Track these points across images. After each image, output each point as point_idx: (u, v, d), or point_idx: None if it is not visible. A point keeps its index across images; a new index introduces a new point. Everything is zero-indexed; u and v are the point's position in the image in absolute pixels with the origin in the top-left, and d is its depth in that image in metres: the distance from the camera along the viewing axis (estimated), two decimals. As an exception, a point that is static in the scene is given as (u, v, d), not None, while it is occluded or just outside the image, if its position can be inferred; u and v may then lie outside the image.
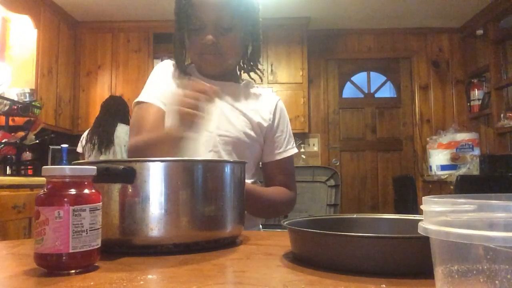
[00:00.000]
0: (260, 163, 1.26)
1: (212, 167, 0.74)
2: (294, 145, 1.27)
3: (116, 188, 0.66)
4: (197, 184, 0.70)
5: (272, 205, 1.17)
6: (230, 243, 0.76)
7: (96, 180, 0.59)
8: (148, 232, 0.65)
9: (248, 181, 1.17)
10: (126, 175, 0.65)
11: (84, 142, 3.33)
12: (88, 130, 3.39)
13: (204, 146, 1.12)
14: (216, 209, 0.71)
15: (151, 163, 0.68)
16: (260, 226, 1.28)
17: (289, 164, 1.25)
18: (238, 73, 1.28)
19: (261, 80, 1.28)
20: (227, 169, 0.75)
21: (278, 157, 1.22)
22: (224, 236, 0.74)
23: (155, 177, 0.67)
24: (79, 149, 3.39)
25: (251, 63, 1.25)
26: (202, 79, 1.20)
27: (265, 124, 1.20)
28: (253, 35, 1.21)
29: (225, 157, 1.12)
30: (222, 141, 1.13)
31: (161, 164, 0.68)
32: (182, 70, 1.22)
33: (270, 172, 1.24)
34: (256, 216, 1.17)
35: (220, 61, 1.15)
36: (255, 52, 1.24)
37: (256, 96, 1.25)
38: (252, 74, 1.27)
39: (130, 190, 0.66)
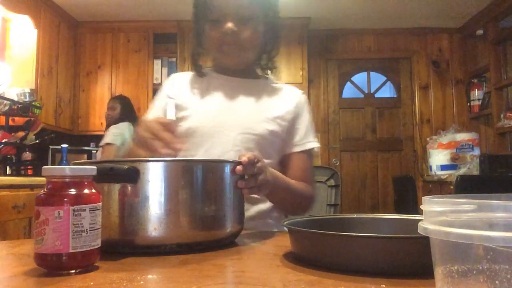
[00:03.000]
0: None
1: (214, 167, 0.74)
2: (315, 140, 1.21)
3: (118, 188, 0.66)
4: (200, 184, 0.70)
5: (294, 195, 1.10)
6: (230, 243, 0.76)
7: (101, 179, 0.59)
8: (151, 232, 0.65)
9: None
10: (130, 175, 0.65)
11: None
12: (123, 123, 3.41)
13: (224, 146, 1.11)
14: (217, 209, 0.71)
15: (154, 163, 0.68)
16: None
17: (306, 158, 1.20)
18: (256, 69, 1.25)
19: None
20: (228, 169, 0.75)
21: (295, 150, 1.18)
22: (224, 236, 0.74)
23: (158, 177, 0.67)
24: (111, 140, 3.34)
25: (269, 60, 1.22)
26: (221, 77, 1.20)
27: (288, 117, 1.17)
28: (273, 28, 1.17)
29: None
30: (244, 140, 1.11)
31: (164, 164, 0.68)
32: (197, 70, 1.21)
33: (286, 166, 1.19)
34: (277, 206, 1.12)
35: (239, 53, 1.12)
36: (274, 47, 1.20)
37: (278, 90, 1.22)
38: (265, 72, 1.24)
39: (133, 190, 0.66)
